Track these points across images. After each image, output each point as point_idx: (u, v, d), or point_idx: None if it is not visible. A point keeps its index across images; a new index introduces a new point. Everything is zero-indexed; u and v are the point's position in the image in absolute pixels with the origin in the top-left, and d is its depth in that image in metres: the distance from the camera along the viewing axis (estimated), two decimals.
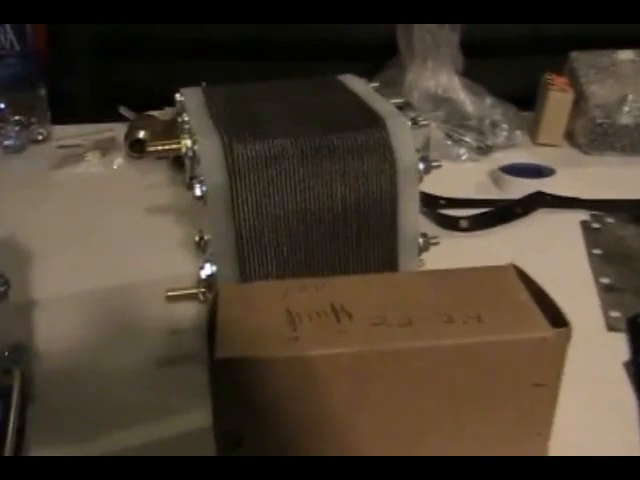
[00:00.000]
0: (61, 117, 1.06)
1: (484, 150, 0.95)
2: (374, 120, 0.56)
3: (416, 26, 0.94)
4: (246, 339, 0.43)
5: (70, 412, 0.55)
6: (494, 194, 0.87)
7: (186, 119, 0.57)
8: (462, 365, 0.44)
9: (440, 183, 0.90)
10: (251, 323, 0.44)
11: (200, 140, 0.53)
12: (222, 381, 0.42)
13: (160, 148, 0.58)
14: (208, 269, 0.55)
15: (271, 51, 1.26)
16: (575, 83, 0.97)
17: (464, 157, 0.94)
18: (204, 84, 0.65)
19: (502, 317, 0.46)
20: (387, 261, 0.57)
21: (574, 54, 1.01)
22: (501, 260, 0.74)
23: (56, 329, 0.64)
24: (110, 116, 1.04)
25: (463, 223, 0.79)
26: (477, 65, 1.00)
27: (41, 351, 0.61)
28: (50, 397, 0.56)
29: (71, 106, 1.15)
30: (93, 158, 0.97)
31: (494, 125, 0.95)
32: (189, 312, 0.64)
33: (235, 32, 1.19)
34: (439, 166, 0.58)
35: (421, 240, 0.58)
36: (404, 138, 0.55)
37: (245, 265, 0.54)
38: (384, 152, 0.54)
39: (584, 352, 0.59)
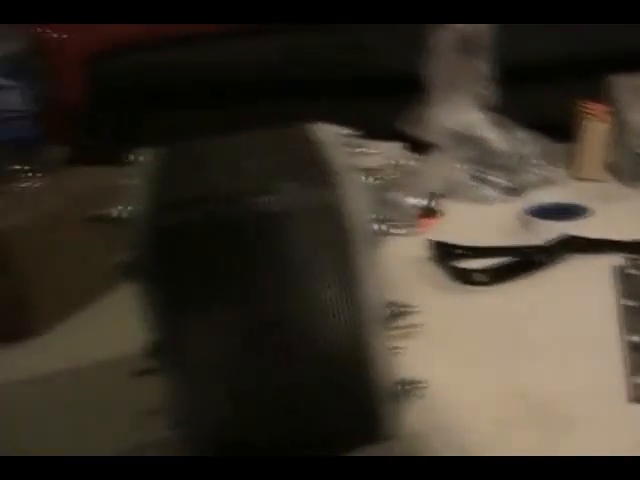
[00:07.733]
0: None
1: (515, 190, 0.87)
2: (325, 180, 0.49)
3: (434, 59, 0.87)
4: None
5: None
6: (522, 239, 0.78)
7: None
8: None
9: (464, 229, 0.83)
10: None
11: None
12: None
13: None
14: None
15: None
16: (614, 110, 0.88)
17: (492, 198, 0.86)
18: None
19: None
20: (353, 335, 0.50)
21: (612, 78, 0.91)
22: (517, 318, 0.66)
23: None
24: None
25: (478, 277, 0.71)
26: (511, 95, 0.92)
27: None
28: None
29: None
30: None
31: (524, 161, 0.87)
32: None
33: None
34: None
35: (388, 310, 0.50)
36: (357, 200, 0.48)
37: None
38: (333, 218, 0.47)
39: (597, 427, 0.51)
